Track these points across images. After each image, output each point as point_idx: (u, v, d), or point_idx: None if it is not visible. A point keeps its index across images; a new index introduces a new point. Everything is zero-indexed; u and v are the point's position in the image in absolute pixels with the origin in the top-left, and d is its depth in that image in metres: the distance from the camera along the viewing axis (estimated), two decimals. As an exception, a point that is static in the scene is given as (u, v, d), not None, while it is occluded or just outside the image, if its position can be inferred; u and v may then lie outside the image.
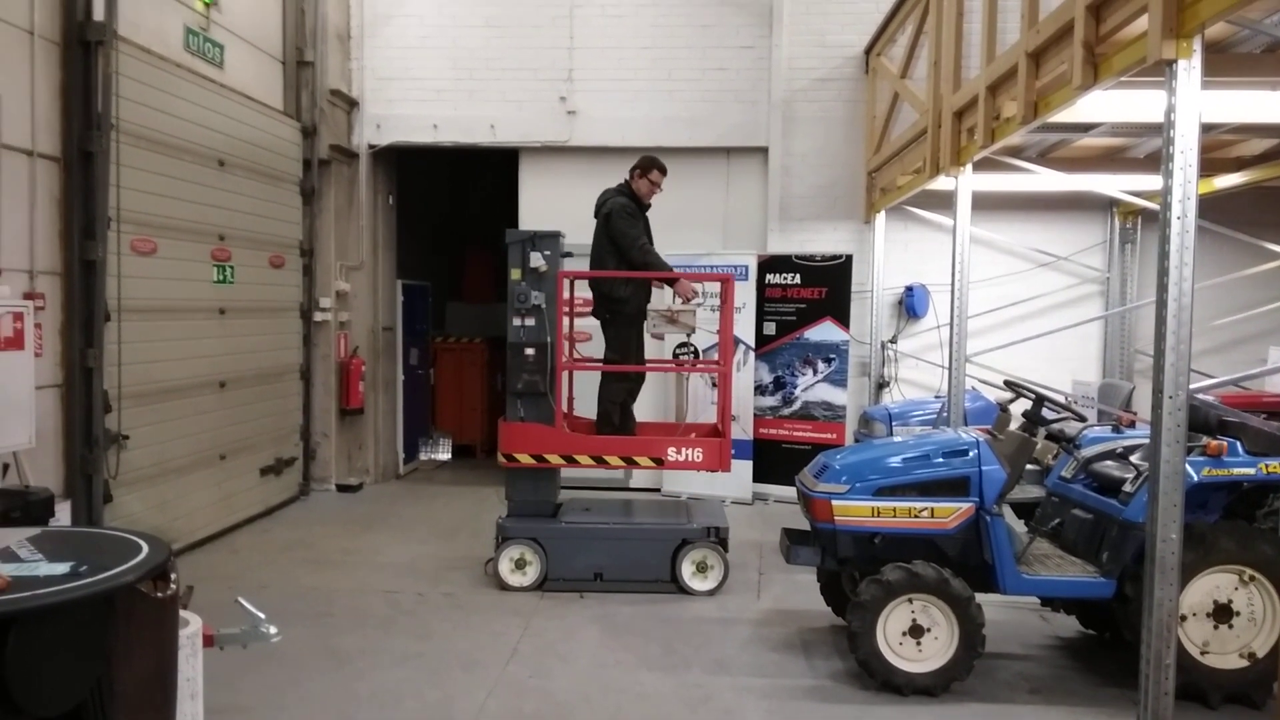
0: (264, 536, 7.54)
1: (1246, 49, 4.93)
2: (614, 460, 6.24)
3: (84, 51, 5.69)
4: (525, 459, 6.13)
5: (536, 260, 6.11)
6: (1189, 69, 3.68)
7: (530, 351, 6.13)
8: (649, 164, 6.40)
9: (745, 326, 8.85)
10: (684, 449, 6.12)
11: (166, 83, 6.63)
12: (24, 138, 5.36)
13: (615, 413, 6.44)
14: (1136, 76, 4.14)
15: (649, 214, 6.52)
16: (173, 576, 2.85)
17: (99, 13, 5.74)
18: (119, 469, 6.02)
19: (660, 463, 6.19)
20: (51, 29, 5.57)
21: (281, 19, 8.64)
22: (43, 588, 2.49)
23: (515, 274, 6.15)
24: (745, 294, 8.77)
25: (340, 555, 6.97)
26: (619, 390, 6.46)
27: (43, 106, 5.50)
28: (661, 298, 6.99)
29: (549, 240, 6.18)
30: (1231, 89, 5.03)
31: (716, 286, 7.73)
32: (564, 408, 6.43)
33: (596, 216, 6.42)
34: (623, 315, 6.35)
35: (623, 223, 6.20)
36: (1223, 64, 4.71)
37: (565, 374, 6.53)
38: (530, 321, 6.14)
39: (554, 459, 6.13)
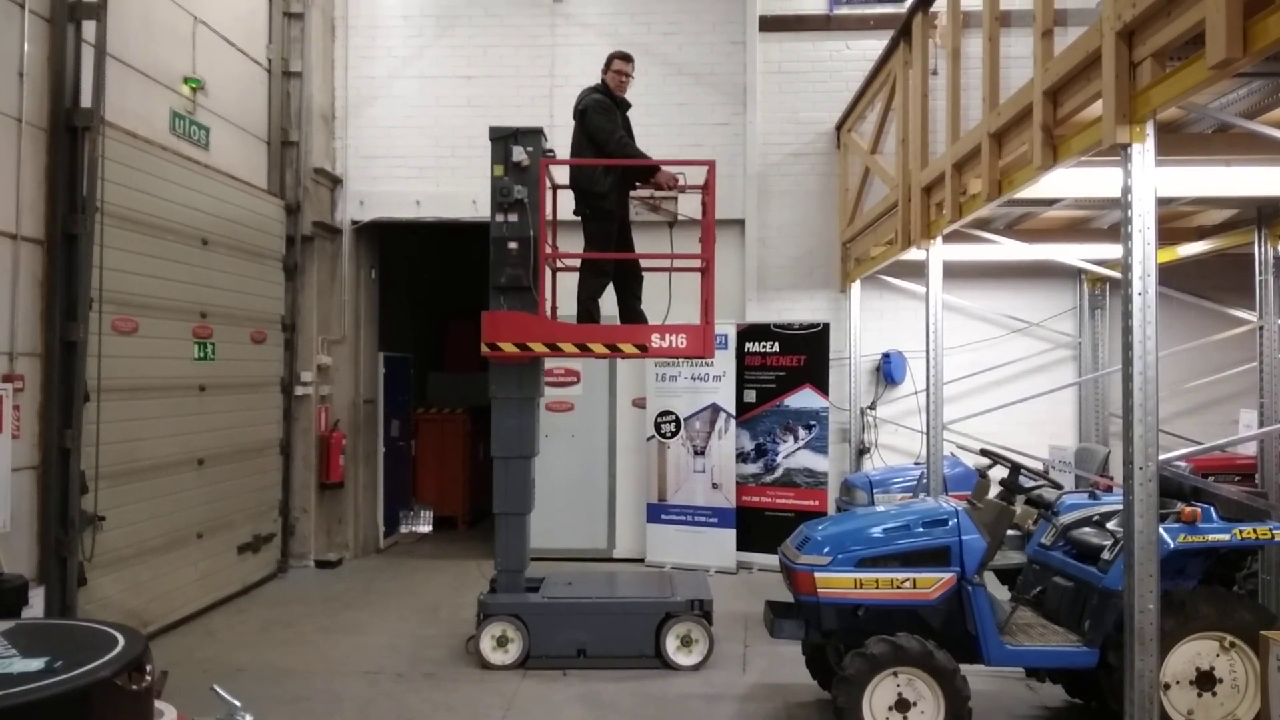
0: (241, 616, 7.40)
1: (1197, 129, 5.14)
2: (598, 348, 6.22)
3: (70, 137, 5.80)
4: (509, 348, 6.09)
5: (519, 154, 6.13)
6: (1143, 152, 3.84)
7: (513, 245, 6.14)
8: (610, 57, 6.53)
9: (726, 394, 8.92)
10: (667, 335, 6.23)
11: (152, 165, 6.73)
12: (8, 221, 5.42)
13: (595, 309, 6.46)
14: (1094, 157, 4.30)
15: (631, 113, 6.63)
16: (148, 667, 2.81)
17: (86, 99, 5.87)
18: (94, 551, 5.94)
19: (645, 349, 6.23)
20: (39, 115, 5.67)
21: (267, 101, 8.83)
22: (17, 685, 2.45)
23: (498, 170, 6.18)
24: (725, 362, 8.87)
25: (318, 635, 6.85)
26: (598, 286, 6.48)
27: (28, 190, 5.57)
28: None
29: (531, 136, 6.22)
30: (1186, 166, 5.21)
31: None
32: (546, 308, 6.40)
33: (574, 116, 6.47)
34: (602, 210, 6.33)
35: (598, 117, 6.26)
36: (1176, 144, 4.92)
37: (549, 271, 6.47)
38: (513, 217, 6.15)
39: (538, 347, 6.11)
